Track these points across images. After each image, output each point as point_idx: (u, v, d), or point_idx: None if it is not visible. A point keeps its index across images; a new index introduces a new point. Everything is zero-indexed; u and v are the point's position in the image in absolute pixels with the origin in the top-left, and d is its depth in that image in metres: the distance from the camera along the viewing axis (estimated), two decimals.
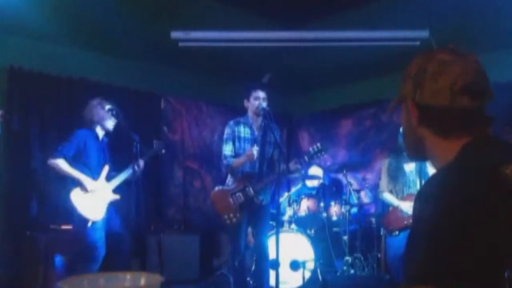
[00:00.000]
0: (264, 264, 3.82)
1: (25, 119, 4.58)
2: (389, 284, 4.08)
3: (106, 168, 3.81)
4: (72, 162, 3.69)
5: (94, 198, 3.66)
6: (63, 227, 4.16)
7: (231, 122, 3.93)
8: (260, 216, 3.84)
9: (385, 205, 4.11)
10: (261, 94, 3.82)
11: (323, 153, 3.75)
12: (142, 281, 2.79)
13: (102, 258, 3.62)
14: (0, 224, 4.36)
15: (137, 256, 4.59)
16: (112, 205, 3.81)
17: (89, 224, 3.59)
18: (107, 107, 3.83)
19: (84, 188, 3.64)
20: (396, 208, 3.87)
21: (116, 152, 4.05)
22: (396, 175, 3.91)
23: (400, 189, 3.90)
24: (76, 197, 3.63)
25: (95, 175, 3.74)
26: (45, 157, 3.89)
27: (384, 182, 4.03)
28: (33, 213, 4.51)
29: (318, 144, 3.77)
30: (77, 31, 4.48)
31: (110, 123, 3.86)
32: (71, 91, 4.86)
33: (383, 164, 4.08)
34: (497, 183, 0.84)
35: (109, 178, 3.82)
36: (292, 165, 3.73)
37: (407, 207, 3.79)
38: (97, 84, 4.97)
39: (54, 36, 4.55)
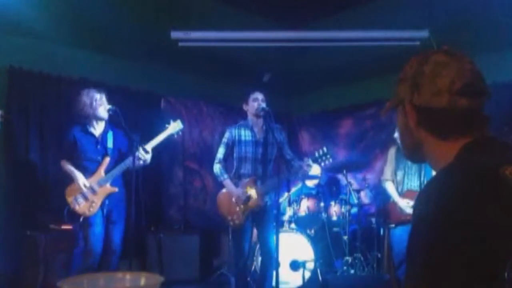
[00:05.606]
0: (270, 265, 3.80)
1: (25, 119, 4.57)
2: (389, 284, 4.09)
3: (106, 161, 3.74)
4: (70, 160, 3.73)
5: (88, 193, 3.64)
6: (63, 227, 4.16)
7: (232, 127, 3.93)
8: (264, 217, 3.83)
9: (385, 195, 4.15)
10: (259, 95, 3.82)
11: (328, 156, 3.63)
12: (142, 281, 2.80)
13: (98, 253, 3.61)
14: (0, 224, 4.36)
15: (137, 256, 4.59)
16: (116, 197, 3.76)
17: (81, 219, 3.59)
18: (97, 95, 3.73)
19: (78, 184, 3.63)
20: (395, 203, 3.96)
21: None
22: (399, 162, 3.98)
23: (401, 180, 3.96)
24: (70, 194, 3.64)
25: (89, 170, 3.71)
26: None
27: (388, 170, 4.10)
28: (33, 213, 4.50)
29: (324, 148, 3.66)
30: (77, 31, 4.48)
31: (102, 110, 3.73)
32: (71, 91, 4.85)
33: (390, 152, 4.16)
34: (497, 184, 0.84)
35: (108, 171, 3.74)
36: (305, 165, 3.66)
37: (404, 204, 3.87)
38: (97, 84, 4.94)
39: (54, 36, 4.55)
